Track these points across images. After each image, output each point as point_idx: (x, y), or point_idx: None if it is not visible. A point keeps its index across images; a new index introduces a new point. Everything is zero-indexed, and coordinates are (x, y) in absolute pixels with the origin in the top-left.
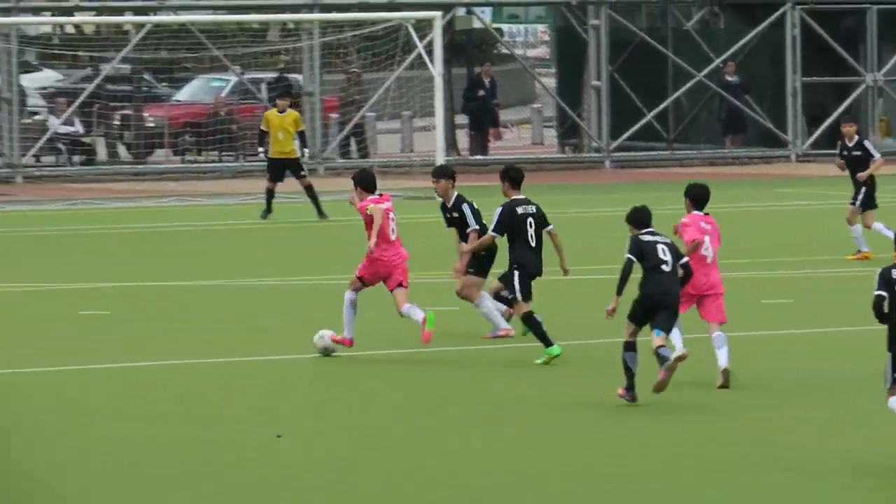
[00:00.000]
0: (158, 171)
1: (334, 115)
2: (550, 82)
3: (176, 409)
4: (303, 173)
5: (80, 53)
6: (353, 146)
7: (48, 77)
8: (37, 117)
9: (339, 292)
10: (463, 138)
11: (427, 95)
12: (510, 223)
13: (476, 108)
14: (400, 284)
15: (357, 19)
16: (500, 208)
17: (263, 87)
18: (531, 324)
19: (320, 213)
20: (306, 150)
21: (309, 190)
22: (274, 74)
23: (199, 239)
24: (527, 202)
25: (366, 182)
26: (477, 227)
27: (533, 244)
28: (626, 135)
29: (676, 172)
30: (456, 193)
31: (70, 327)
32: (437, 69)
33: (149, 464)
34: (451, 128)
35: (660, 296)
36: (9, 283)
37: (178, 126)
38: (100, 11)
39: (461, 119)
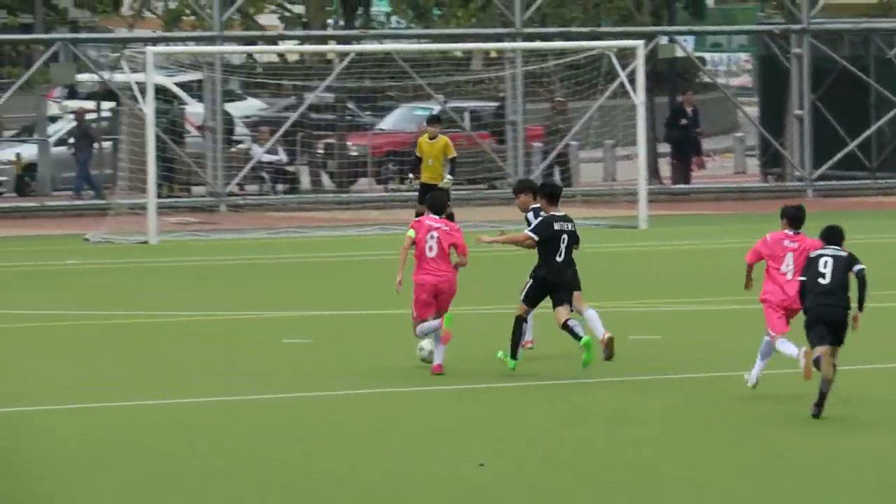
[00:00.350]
0: (361, 199)
1: (537, 144)
2: (753, 111)
3: (380, 435)
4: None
5: (283, 82)
6: (557, 175)
7: (252, 106)
8: (241, 146)
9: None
10: (665, 167)
11: (629, 124)
12: (545, 233)
13: (678, 136)
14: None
15: (560, 48)
16: (539, 217)
17: (466, 115)
18: (515, 328)
19: None
20: (449, 177)
21: (450, 218)
22: (476, 103)
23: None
24: (565, 220)
25: (437, 205)
26: (532, 234)
27: (560, 259)
28: (828, 164)
29: (880, 202)
30: (533, 205)
31: (275, 356)
32: (639, 98)
33: (384, 486)
34: (653, 156)
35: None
36: (211, 312)
37: (381, 155)
38: (304, 40)
39: (663, 148)
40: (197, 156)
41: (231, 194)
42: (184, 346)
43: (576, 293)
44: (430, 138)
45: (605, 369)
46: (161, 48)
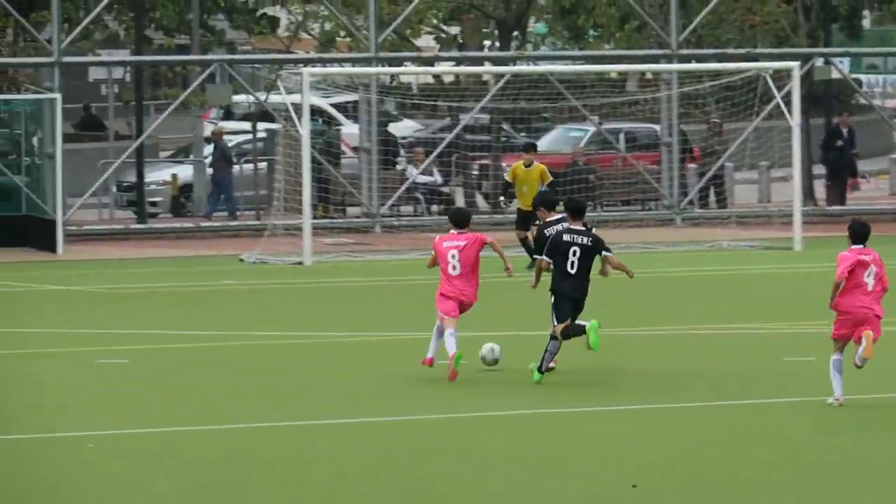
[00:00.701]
0: (514, 221)
1: (692, 166)
2: None
3: (532, 455)
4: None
5: (439, 103)
6: (713, 196)
7: (407, 127)
8: (396, 167)
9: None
10: (820, 188)
11: (785, 146)
12: (554, 249)
13: (834, 158)
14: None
15: (715, 70)
16: (551, 235)
17: (622, 137)
18: (549, 344)
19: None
20: (502, 199)
21: (524, 241)
22: (631, 125)
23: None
24: (577, 232)
25: (456, 219)
26: (543, 257)
27: (572, 271)
28: None
29: None
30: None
31: (431, 376)
32: (794, 119)
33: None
34: (808, 178)
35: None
36: (366, 332)
37: None
38: (459, 62)
39: (819, 169)
40: (352, 177)
41: (386, 215)
42: (340, 367)
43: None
44: (526, 165)
45: (757, 391)
46: (317, 69)
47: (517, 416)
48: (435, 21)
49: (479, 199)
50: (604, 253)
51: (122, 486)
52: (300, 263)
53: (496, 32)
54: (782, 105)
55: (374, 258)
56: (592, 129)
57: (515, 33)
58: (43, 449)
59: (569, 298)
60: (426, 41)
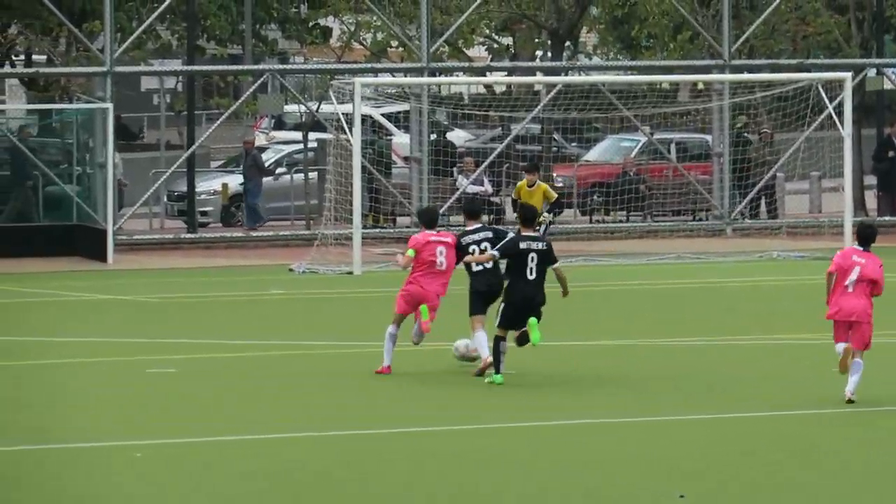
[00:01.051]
0: (566, 231)
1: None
2: None
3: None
4: None
5: (490, 113)
6: (763, 206)
7: (458, 136)
8: (450, 177)
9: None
10: (871, 199)
11: (836, 156)
12: (511, 251)
13: (885, 168)
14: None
15: (767, 80)
16: (510, 236)
17: (673, 147)
18: (495, 347)
19: None
20: (546, 215)
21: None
22: (682, 135)
23: (605, 298)
24: (532, 238)
25: (427, 219)
26: (495, 252)
27: (530, 277)
28: None
29: None
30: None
31: (476, 387)
32: (846, 130)
33: None
34: (859, 188)
35: None
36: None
37: (586, 186)
38: (511, 72)
39: (870, 180)
40: (403, 186)
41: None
42: (390, 376)
43: (478, 317)
44: (529, 186)
45: (806, 401)
46: (369, 79)
47: (567, 426)
48: (487, 31)
49: None
50: (553, 266)
51: (169, 496)
52: (350, 273)
53: (548, 42)
54: (834, 115)
55: None
56: (644, 139)
57: (567, 43)
58: (91, 458)
59: (525, 305)
60: (478, 51)
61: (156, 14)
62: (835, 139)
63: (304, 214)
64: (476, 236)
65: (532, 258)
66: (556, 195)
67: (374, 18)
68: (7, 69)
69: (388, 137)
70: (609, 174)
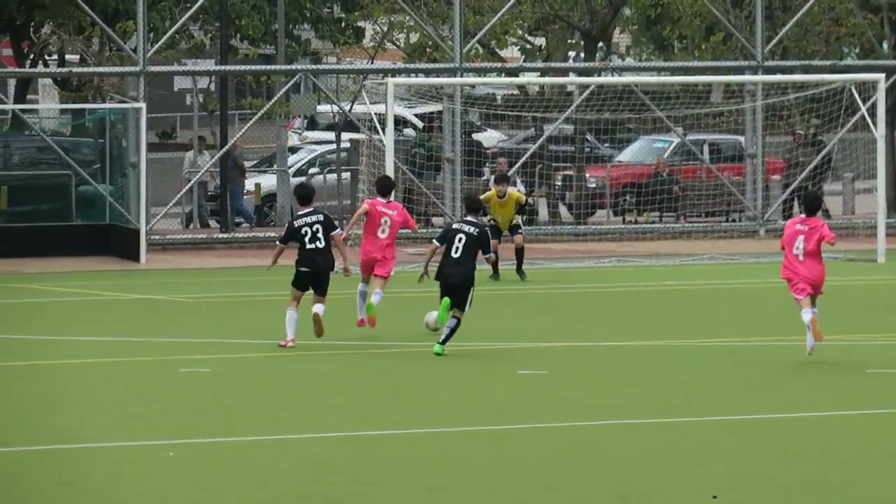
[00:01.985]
0: (599, 231)
1: (776, 177)
2: None
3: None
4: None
5: (523, 114)
6: (797, 209)
7: (491, 137)
8: (482, 178)
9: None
10: None
11: (869, 157)
12: (445, 235)
13: None
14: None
15: (800, 81)
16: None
17: (706, 148)
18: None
19: (495, 275)
20: (518, 217)
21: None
22: (715, 136)
23: (638, 299)
24: (468, 223)
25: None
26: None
27: (454, 255)
28: None
29: None
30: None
31: (507, 387)
32: (879, 131)
33: None
34: (892, 190)
35: None
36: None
37: (619, 186)
38: (544, 72)
39: None
40: (436, 187)
41: None
42: (421, 375)
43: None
44: (500, 196)
45: (841, 403)
46: (401, 79)
47: (599, 426)
48: (520, 32)
49: (563, 210)
50: (485, 255)
51: (201, 497)
52: None
53: (581, 43)
54: (867, 117)
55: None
56: (676, 140)
57: (600, 44)
58: (124, 457)
59: (446, 281)
60: (511, 52)
61: (189, 14)
62: (868, 141)
63: (337, 215)
64: (308, 219)
65: (460, 239)
66: (525, 198)
67: (408, 19)
68: (40, 69)
69: (440, 138)
70: (642, 175)
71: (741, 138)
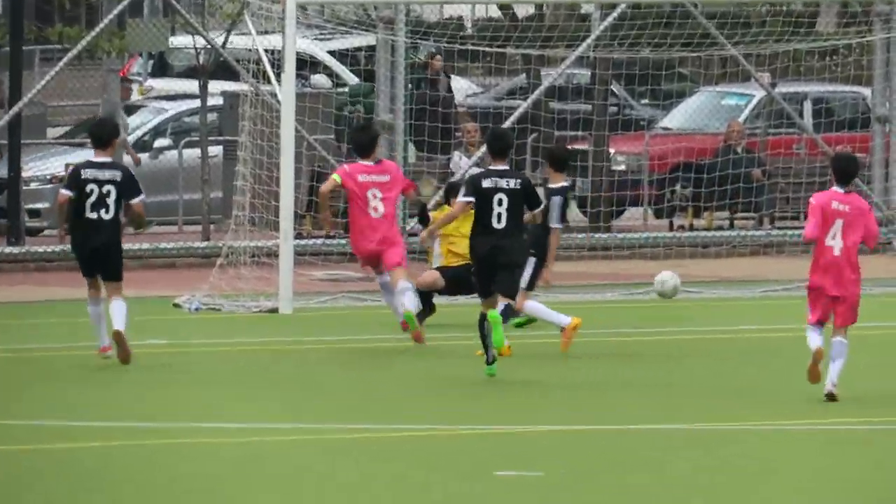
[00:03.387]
0: (630, 242)
1: None
2: None
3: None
4: None
5: (508, 51)
6: None
7: (458, 89)
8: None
9: None
10: None
11: None
12: (473, 193)
13: None
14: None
15: None
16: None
17: (808, 106)
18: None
19: None
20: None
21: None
22: (823, 87)
23: (701, 359)
24: (501, 174)
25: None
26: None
27: (496, 225)
28: None
29: None
30: None
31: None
32: None
33: None
34: None
35: None
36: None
37: (665, 170)
38: None
39: None
40: None
41: (415, 233)
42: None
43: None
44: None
45: None
46: None
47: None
48: None
49: (573, 208)
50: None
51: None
52: (274, 311)
53: None
54: None
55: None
56: (760, 93)
57: None
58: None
59: (494, 262)
60: None
61: None
62: None
63: (202, 216)
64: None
65: (500, 201)
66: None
67: None
68: None
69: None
70: (702, 151)
71: (866, 91)
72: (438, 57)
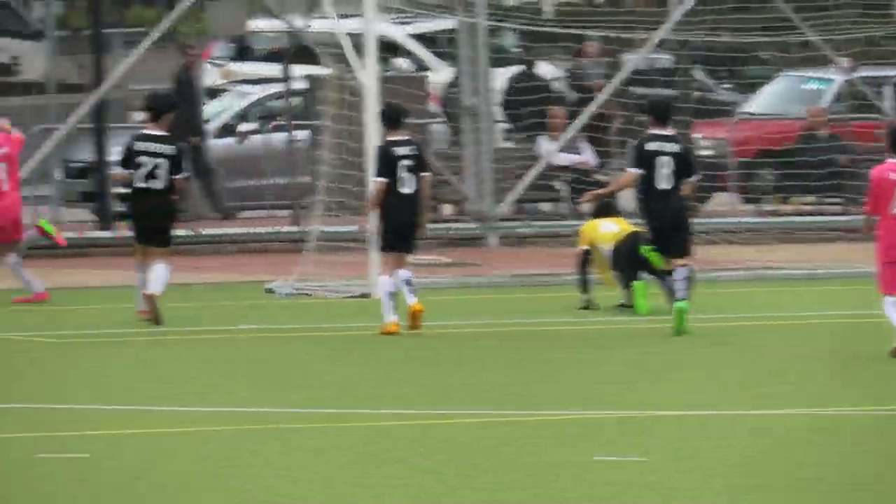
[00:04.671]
0: (717, 226)
1: None
2: None
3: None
4: None
5: (588, 33)
6: None
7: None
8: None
9: None
10: None
11: None
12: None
13: None
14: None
15: None
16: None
17: (891, 92)
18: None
19: None
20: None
21: None
22: None
23: (780, 341)
24: (665, 139)
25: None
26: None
27: (660, 187)
28: None
29: None
30: None
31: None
32: None
33: None
34: None
35: None
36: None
37: (751, 155)
38: None
39: None
40: (447, 156)
41: (506, 218)
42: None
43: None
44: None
45: None
46: None
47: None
48: None
49: None
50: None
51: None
52: (365, 296)
53: None
54: None
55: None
56: (842, 77)
57: None
58: None
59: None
60: None
61: None
62: None
63: (290, 201)
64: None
65: (662, 163)
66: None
67: None
68: None
69: (423, 74)
70: (784, 136)
71: None
72: (592, 43)
